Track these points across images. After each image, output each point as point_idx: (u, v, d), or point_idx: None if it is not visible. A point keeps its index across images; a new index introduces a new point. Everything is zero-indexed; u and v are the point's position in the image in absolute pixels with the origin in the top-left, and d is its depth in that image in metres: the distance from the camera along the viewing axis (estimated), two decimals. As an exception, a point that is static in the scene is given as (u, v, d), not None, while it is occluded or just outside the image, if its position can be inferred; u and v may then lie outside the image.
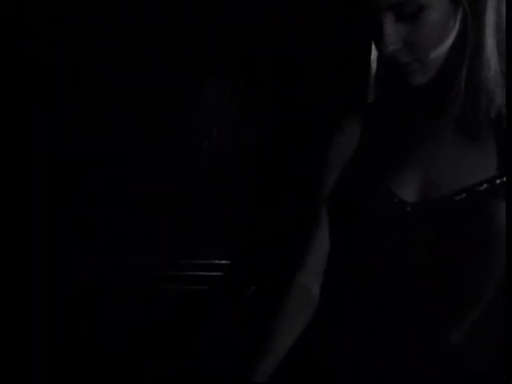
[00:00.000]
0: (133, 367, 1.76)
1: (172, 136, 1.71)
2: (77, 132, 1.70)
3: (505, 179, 0.96)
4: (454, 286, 0.98)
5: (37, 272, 1.59)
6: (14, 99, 1.59)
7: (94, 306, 1.74)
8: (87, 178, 1.71)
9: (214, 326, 1.77)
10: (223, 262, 1.76)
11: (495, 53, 0.96)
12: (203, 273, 1.76)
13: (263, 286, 1.74)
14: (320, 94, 1.66)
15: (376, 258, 1.04)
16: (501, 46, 0.97)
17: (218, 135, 1.71)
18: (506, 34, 0.97)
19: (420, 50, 0.95)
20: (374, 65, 1.54)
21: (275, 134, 1.73)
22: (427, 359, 1.00)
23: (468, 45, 0.96)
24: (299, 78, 1.68)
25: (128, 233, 1.73)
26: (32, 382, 1.50)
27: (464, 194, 0.98)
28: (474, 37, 0.95)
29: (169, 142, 1.71)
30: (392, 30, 0.93)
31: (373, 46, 1.49)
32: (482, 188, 0.97)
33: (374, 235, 1.05)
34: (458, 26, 0.95)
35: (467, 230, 0.96)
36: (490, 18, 0.95)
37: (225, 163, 1.74)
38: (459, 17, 0.95)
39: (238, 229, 1.77)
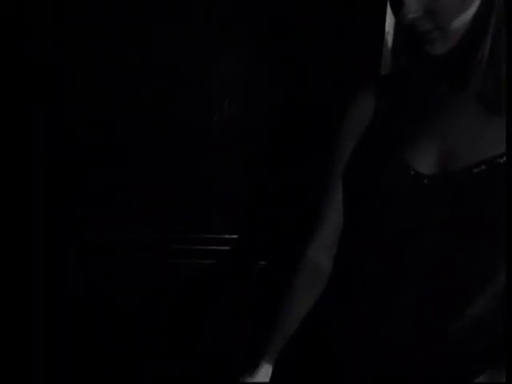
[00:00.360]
0: (141, 339, 1.76)
1: (182, 110, 1.69)
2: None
3: None
4: (468, 264, 0.97)
5: (37, 250, 1.59)
6: (14, 99, 1.60)
7: (103, 281, 1.74)
8: (98, 152, 1.70)
9: (223, 300, 1.76)
10: (233, 236, 1.75)
11: None
12: (213, 247, 1.75)
13: (273, 261, 1.74)
14: (332, 67, 1.65)
15: (388, 235, 1.02)
16: None
17: (228, 109, 1.70)
18: (506, 34, 0.97)
19: (441, 18, 0.91)
20: (388, 36, 1.53)
21: (287, 107, 1.70)
22: (438, 339, 0.99)
23: (493, 13, 0.91)
24: (311, 53, 1.66)
25: (138, 207, 1.72)
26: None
27: (483, 167, 0.95)
28: (501, 4, 0.90)
29: (179, 116, 1.69)
30: None
31: (387, 17, 1.49)
32: (501, 161, 0.94)
33: (387, 210, 1.03)
34: None
35: (484, 204, 0.94)
36: None
37: (236, 137, 1.71)
38: None
39: (248, 203, 1.76)
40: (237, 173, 1.74)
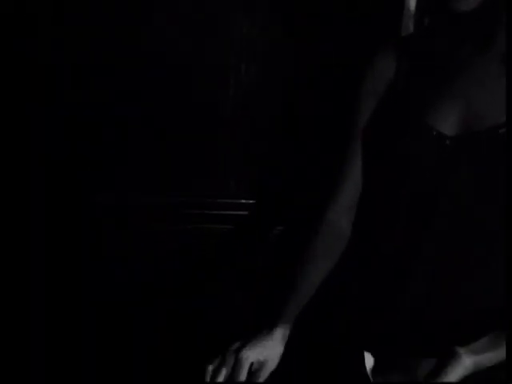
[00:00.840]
0: (155, 304, 1.73)
1: (198, 73, 1.67)
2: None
3: None
4: (486, 226, 0.96)
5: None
6: (14, 99, 1.60)
7: (118, 245, 1.71)
8: (112, 113, 1.68)
9: (239, 266, 1.73)
10: (250, 201, 1.72)
11: None
12: (230, 212, 1.72)
13: (291, 226, 1.71)
14: (350, 30, 1.64)
15: (408, 199, 1.01)
16: None
17: (245, 72, 1.67)
18: (506, 34, 0.96)
19: None
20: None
21: (304, 69, 1.68)
22: (457, 299, 0.99)
23: None
24: (328, 14, 1.65)
25: (152, 171, 1.70)
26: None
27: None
28: None
29: (195, 78, 1.67)
30: None
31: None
32: None
33: (407, 174, 1.02)
34: None
35: (507, 165, 0.92)
36: None
37: (253, 100, 1.69)
38: None
39: (265, 167, 1.74)
40: (254, 136, 1.71)
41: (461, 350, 0.90)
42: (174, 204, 1.71)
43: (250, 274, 1.73)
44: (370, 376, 0.95)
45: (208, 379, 1.00)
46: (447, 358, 0.89)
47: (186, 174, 1.71)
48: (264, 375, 1.02)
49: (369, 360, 1.00)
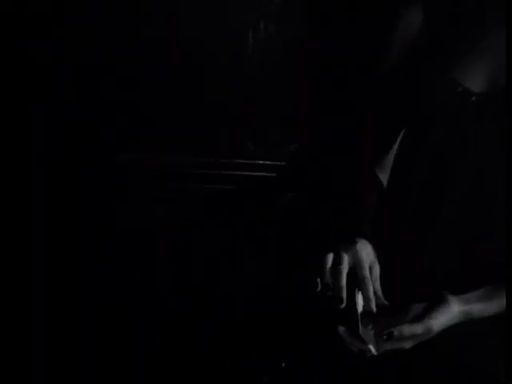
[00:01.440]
0: (170, 263, 1.70)
1: (216, 32, 1.65)
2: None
3: None
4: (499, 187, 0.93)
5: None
6: (14, 99, 1.60)
7: (131, 207, 1.70)
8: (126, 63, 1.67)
9: (255, 227, 1.69)
10: (267, 162, 1.69)
11: None
12: (246, 173, 1.68)
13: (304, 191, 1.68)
14: None
15: (428, 157, 1.00)
16: None
17: (264, 29, 1.67)
18: (506, 34, 0.96)
19: None
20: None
21: (323, 25, 1.66)
22: (455, 250, 0.98)
23: None
24: None
25: (167, 130, 1.68)
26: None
27: None
28: None
29: (213, 37, 1.65)
30: None
31: None
32: None
33: (431, 130, 0.99)
34: None
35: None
36: None
37: (270, 58, 1.67)
38: None
39: (284, 126, 1.70)
40: (272, 95, 1.68)
41: (450, 297, 0.89)
42: (190, 164, 1.69)
43: (265, 236, 1.70)
44: (359, 317, 0.94)
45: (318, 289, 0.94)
46: (435, 303, 0.89)
47: (202, 134, 1.69)
48: (375, 273, 0.97)
49: (359, 301, 0.99)
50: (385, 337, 0.88)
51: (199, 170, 1.69)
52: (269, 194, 1.68)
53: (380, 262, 0.99)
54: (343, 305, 0.90)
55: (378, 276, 0.97)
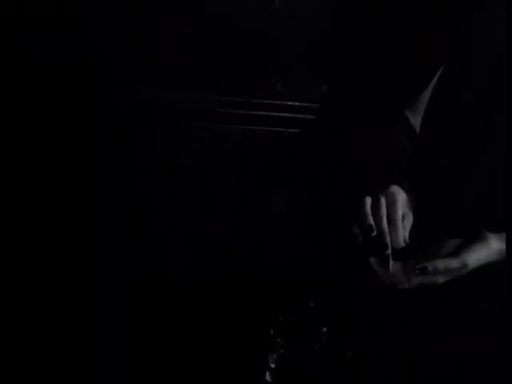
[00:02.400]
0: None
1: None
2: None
3: None
4: None
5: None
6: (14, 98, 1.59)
7: (157, 145, 1.67)
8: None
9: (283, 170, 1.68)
10: (296, 103, 1.65)
11: None
12: (274, 113, 1.65)
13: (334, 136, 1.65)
14: None
15: (473, 96, 0.98)
16: None
17: None
18: (506, 34, 0.96)
19: None
20: None
21: None
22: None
23: None
24: None
25: (199, 68, 1.65)
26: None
27: None
28: None
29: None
30: None
31: None
32: None
33: (474, 68, 0.97)
34: None
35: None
36: None
37: (295, 25, 1.64)
38: None
39: (314, 66, 1.66)
40: (301, 35, 1.64)
41: (489, 234, 0.88)
42: (217, 103, 1.66)
43: (294, 179, 1.68)
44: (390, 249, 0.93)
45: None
46: (473, 238, 0.88)
47: (231, 74, 1.66)
48: (406, 222, 0.96)
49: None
50: (418, 271, 0.88)
51: (227, 110, 1.65)
52: (299, 138, 1.66)
53: (415, 210, 0.99)
54: (388, 251, 0.90)
55: (408, 226, 0.96)
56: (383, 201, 0.94)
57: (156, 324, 1.55)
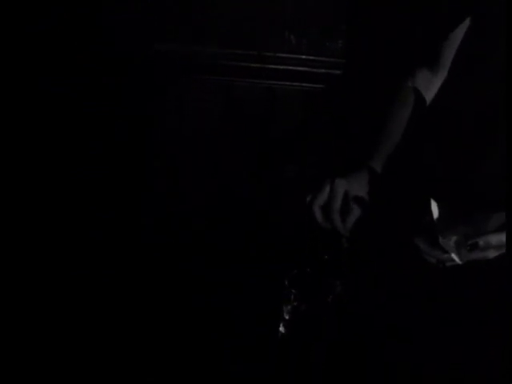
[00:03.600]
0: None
1: None
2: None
3: None
4: None
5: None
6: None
7: (172, 94, 1.66)
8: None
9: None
10: (310, 57, 1.63)
11: None
12: (289, 67, 1.63)
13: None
14: None
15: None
16: None
17: None
18: (505, 34, 0.93)
19: None
20: None
21: None
22: None
23: None
24: None
25: (214, 22, 1.64)
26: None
27: None
28: None
29: None
30: None
31: None
32: None
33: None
34: None
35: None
36: None
37: None
38: None
39: (328, 20, 1.64)
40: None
41: None
42: (232, 57, 1.65)
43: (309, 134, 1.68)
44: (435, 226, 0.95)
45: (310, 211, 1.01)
46: None
47: (246, 27, 1.64)
48: (355, 214, 1.03)
49: (434, 208, 0.99)
50: (468, 247, 0.88)
51: (241, 63, 1.64)
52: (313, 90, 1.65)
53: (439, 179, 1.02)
54: None
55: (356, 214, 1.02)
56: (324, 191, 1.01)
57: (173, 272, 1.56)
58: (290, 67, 1.63)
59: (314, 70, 1.63)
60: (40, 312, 1.29)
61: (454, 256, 0.88)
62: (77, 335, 1.21)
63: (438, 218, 0.91)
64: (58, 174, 1.62)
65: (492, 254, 0.88)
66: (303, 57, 1.63)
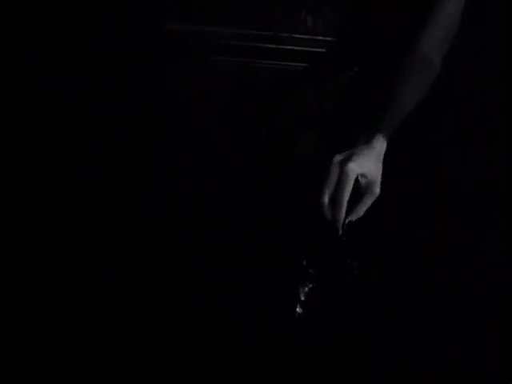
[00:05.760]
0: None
1: None
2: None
3: None
4: None
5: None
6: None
7: (185, 75, 1.65)
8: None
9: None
10: (327, 38, 1.62)
11: None
12: (305, 48, 1.62)
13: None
14: None
15: None
16: None
17: None
18: (506, 34, 0.94)
19: None
20: None
21: None
22: None
23: None
24: None
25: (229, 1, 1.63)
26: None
27: None
28: None
29: None
30: None
31: None
32: None
33: None
34: None
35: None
36: None
37: None
38: None
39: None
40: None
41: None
42: (246, 37, 1.64)
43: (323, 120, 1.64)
44: None
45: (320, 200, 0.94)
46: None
47: (261, 7, 1.63)
48: (371, 192, 0.97)
49: None
50: None
51: (256, 44, 1.63)
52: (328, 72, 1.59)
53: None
54: None
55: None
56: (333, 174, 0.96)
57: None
58: (306, 48, 1.61)
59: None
60: (40, 312, 1.29)
61: None
62: (77, 335, 1.21)
63: None
64: (58, 173, 1.62)
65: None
66: (319, 37, 1.62)
